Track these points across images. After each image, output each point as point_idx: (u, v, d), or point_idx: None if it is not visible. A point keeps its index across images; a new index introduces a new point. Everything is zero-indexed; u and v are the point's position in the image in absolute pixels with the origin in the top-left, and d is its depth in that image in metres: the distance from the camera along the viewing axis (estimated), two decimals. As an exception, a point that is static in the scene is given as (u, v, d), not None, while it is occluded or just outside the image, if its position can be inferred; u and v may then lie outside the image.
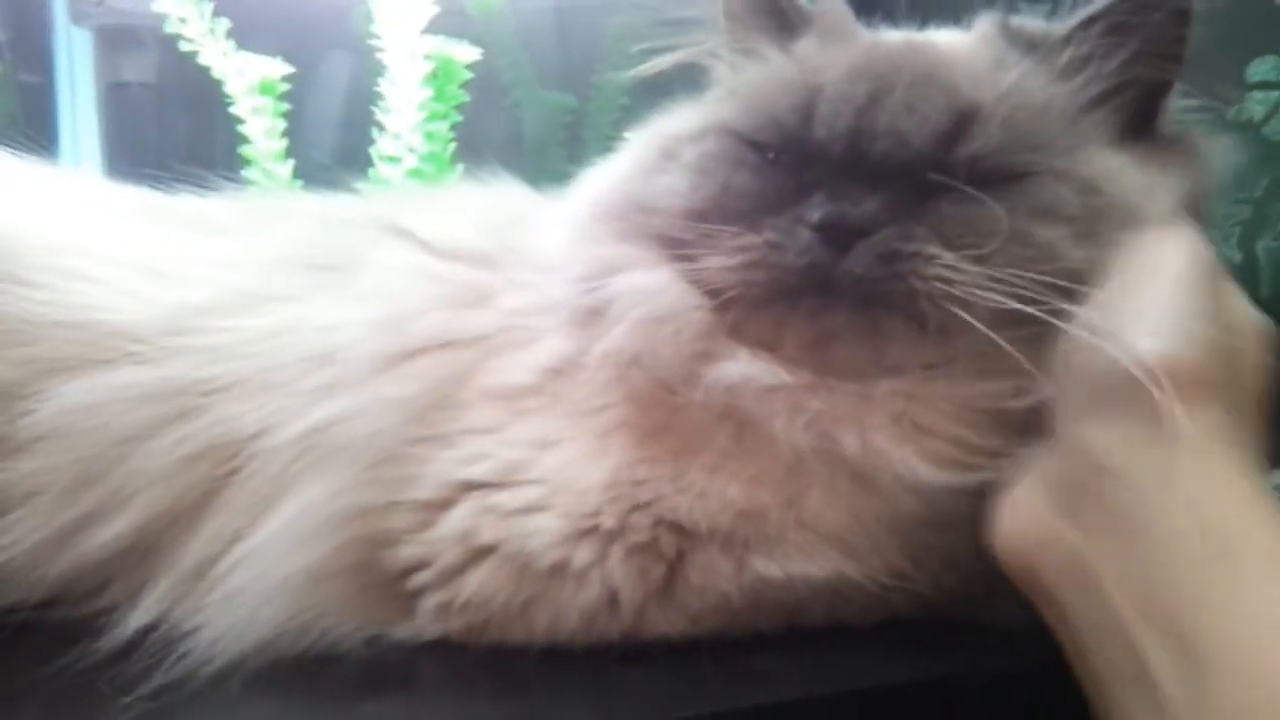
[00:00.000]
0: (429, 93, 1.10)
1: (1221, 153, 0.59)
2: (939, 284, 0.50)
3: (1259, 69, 0.90)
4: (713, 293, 0.55)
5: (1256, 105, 0.90)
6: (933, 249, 0.51)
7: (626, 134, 1.30)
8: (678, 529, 0.53)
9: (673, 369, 0.55)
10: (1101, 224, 0.52)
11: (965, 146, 0.53)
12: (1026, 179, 0.53)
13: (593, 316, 0.58)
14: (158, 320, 0.59)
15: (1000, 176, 0.52)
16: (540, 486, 0.54)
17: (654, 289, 0.56)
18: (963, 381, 0.52)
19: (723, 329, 0.55)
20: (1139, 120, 0.57)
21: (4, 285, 0.58)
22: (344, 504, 0.55)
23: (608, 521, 0.52)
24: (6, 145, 0.70)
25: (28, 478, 0.55)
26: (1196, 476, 0.41)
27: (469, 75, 1.14)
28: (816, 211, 0.52)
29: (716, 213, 0.56)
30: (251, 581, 0.54)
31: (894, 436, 0.52)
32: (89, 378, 0.57)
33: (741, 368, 0.53)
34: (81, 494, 0.55)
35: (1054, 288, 0.49)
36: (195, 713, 0.49)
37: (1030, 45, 0.57)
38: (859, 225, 0.51)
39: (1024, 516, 0.47)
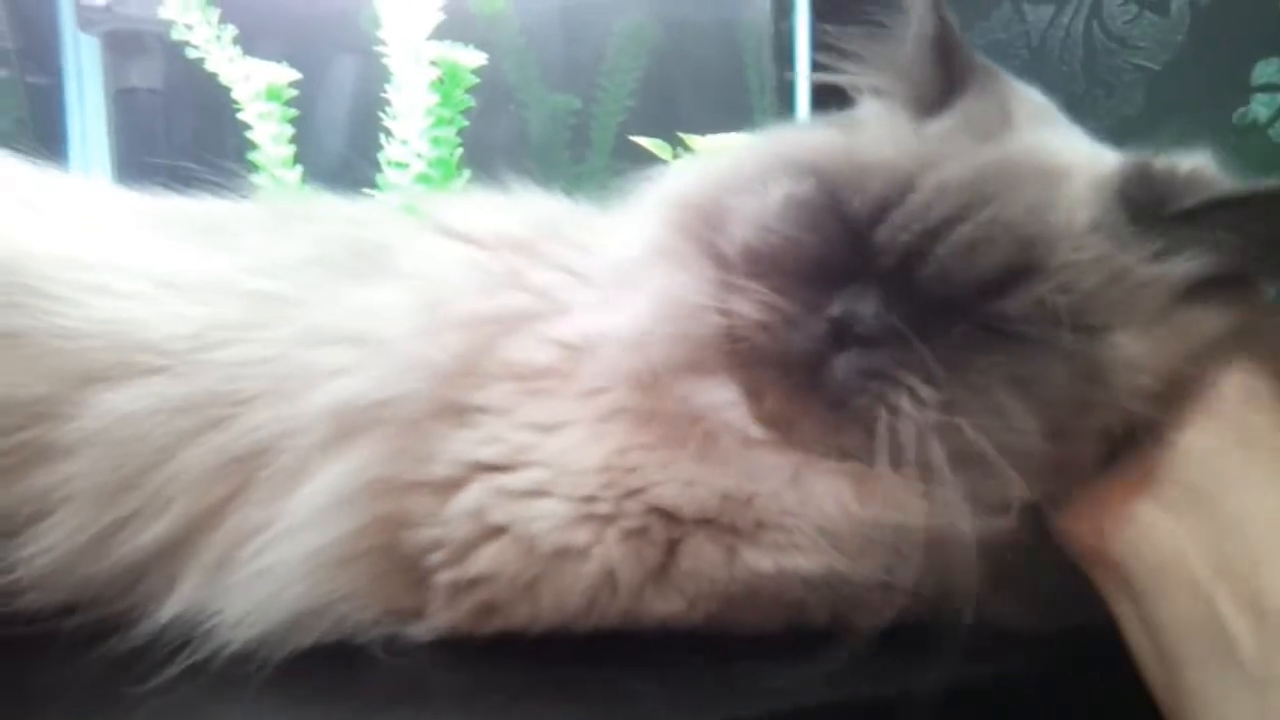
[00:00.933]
0: (435, 98, 1.11)
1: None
2: (897, 413, 0.52)
3: (1264, 70, 0.90)
4: (729, 328, 0.56)
5: (1261, 107, 0.91)
6: (910, 379, 0.52)
7: (632, 136, 1.31)
8: (667, 515, 0.54)
9: (666, 363, 0.57)
10: (1091, 419, 0.53)
11: (1001, 302, 0.53)
12: (1030, 344, 0.52)
13: (622, 293, 0.60)
14: (183, 334, 0.59)
15: (1011, 332, 0.53)
16: (544, 469, 0.55)
17: (685, 289, 0.57)
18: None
19: (724, 355, 0.56)
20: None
21: (30, 300, 0.59)
22: (370, 477, 0.56)
23: (603, 507, 0.54)
24: (16, 152, 0.70)
25: (67, 482, 0.56)
26: (1266, 468, 0.48)
27: (475, 80, 1.15)
28: (838, 307, 0.53)
29: (771, 263, 0.56)
30: (277, 561, 0.55)
31: (829, 480, 0.54)
32: (123, 389, 0.57)
33: (720, 397, 0.56)
34: (119, 499, 0.56)
35: (985, 462, 0.51)
36: (219, 712, 0.50)
37: (1150, 207, 0.54)
38: (862, 334, 0.52)
39: (1096, 503, 0.52)
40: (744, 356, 0.56)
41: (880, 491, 0.53)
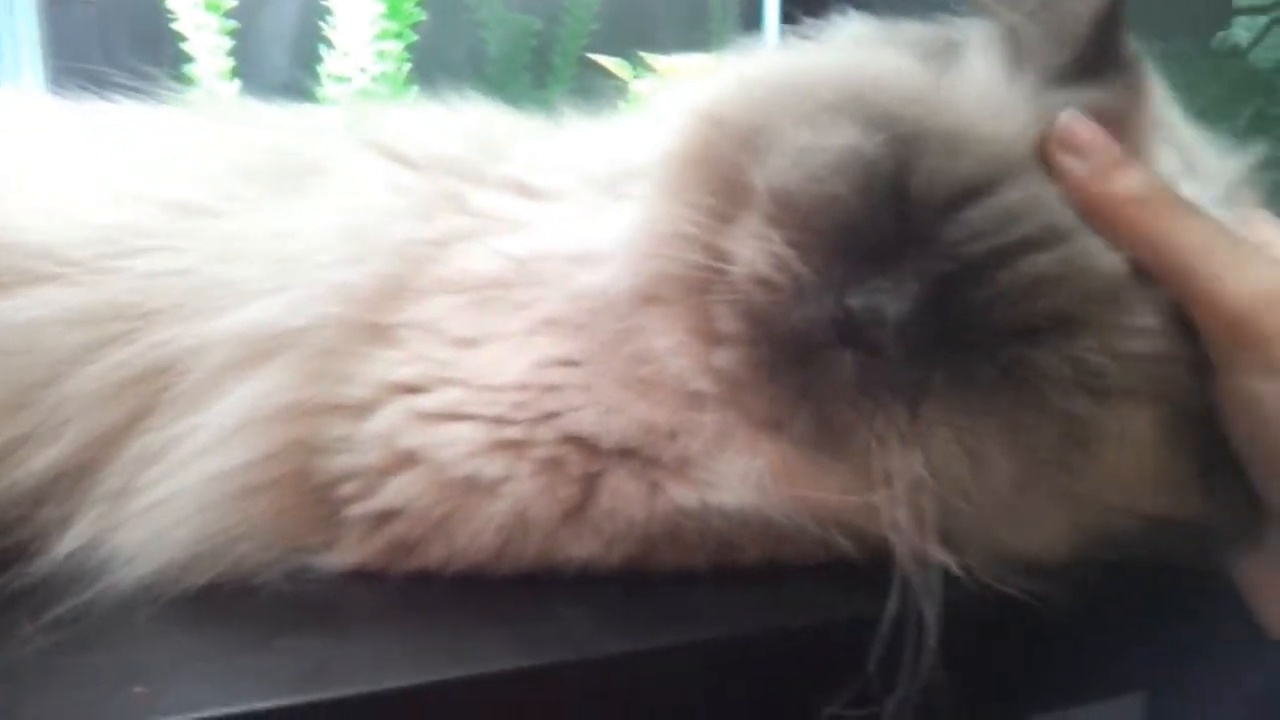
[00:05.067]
0: (381, 8, 1.05)
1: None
2: (883, 443, 0.47)
3: (1246, -8, 0.87)
4: (719, 269, 0.50)
5: (1242, 30, 0.87)
6: (900, 408, 0.47)
7: (592, 55, 1.26)
8: (584, 445, 0.50)
9: (627, 288, 0.52)
10: (1060, 482, 0.48)
11: (1032, 350, 0.47)
12: (1038, 395, 0.47)
13: (598, 204, 0.56)
14: (86, 241, 0.56)
15: (1027, 381, 0.47)
16: (460, 388, 0.52)
17: (674, 218, 0.51)
18: None
19: (691, 294, 0.51)
20: None
21: None
22: (283, 400, 0.52)
23: (515, 432, 0.50)
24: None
25: None
26: None
27: (425, -9, 1.09)
28: (860, 298, 0.47)
29: (802, 216, 0.49)
30: (178, 489, 0.52)
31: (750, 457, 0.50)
32: (14, 297, 0.54)
33: (670, 340, 0.51)
34: (13, 418, 0.53)
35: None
36: (105, 644, 0.46)
37: None
38: (875, 339, 0.46)
39: None
40: (720, 303, 0.50)
41: (802, 481, 0.49)
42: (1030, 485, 0.48)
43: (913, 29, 0.57)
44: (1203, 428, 0.48)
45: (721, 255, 0.50)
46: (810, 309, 0.47)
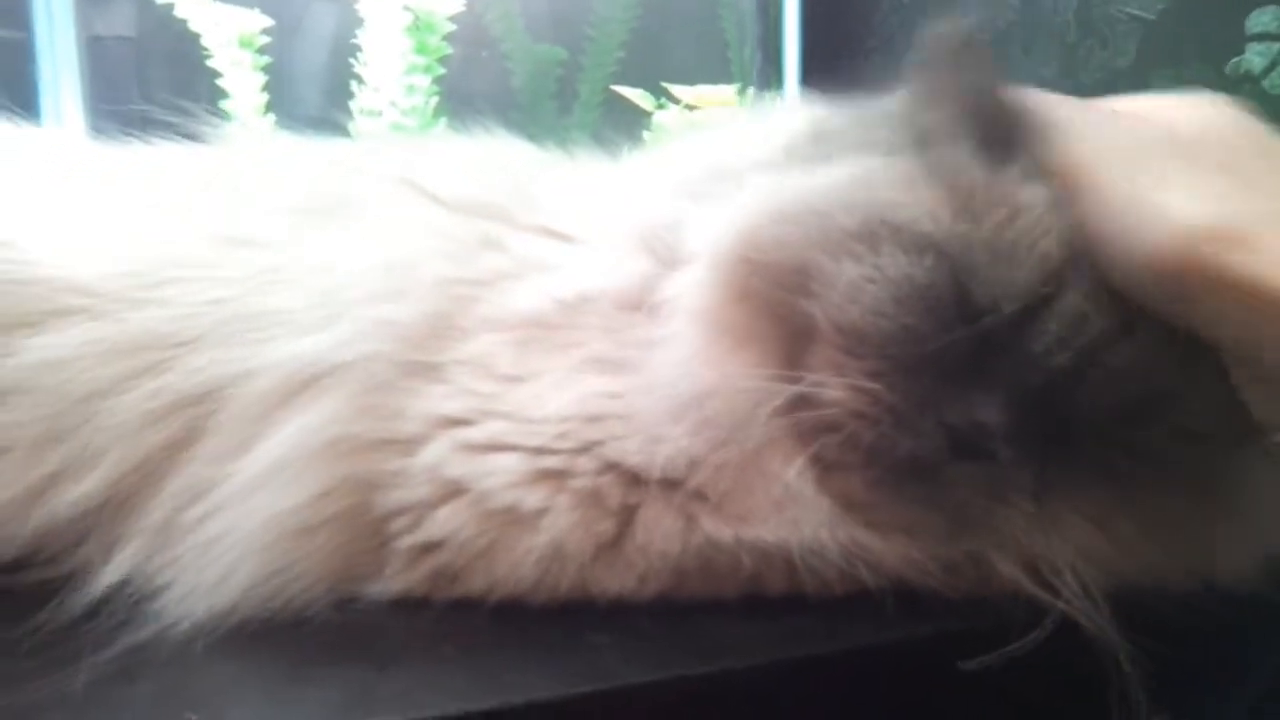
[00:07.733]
0: (409, 44, 1.08)
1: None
2: (1015, 531, 0.49)
3: (1259, 20, 0.87)
4: (803, 407, 0.50)
5: (1256, 57, 0.88)
6: (1022, 499, 0.49)
7: (615, 86, 1.28)
8: (625, 475, 0.51)
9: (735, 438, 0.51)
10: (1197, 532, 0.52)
11: (1138, 430, 0.50)
12: (1155, 469, 0.50)
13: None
14: (118, 274, 0.57)
15: (1139, 459, 0.50)
16: (506, 421, 0.53)
17: (743, 372, 0.51)
18: None
19: (788, 432, 0.51)
20: None
21: None
22: (335, 433, 0.53)
23: (555, 462, 0.51)
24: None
25: (2, 432, 0.54)
26: None
27: (451, 27, 1.12)
28: (960, 415, 0.48)
29: (875, 347, 0.50)
30: (230, 528, 0.52)
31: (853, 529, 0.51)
32: (50, 333, 0.55)
33: (790, 471, 0.51)
34: (49, 451, 0.54)
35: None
36: (155, 673, 0.47)
37: None
38: (987, 452, 0.48)
39: None
40: (822, 436, 0.50)
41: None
42: (1167, 540, 0.51)
43: (866, 119, 0.58)
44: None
45: (811, 396, 0.50)
46: (915, 435, 0.49)
